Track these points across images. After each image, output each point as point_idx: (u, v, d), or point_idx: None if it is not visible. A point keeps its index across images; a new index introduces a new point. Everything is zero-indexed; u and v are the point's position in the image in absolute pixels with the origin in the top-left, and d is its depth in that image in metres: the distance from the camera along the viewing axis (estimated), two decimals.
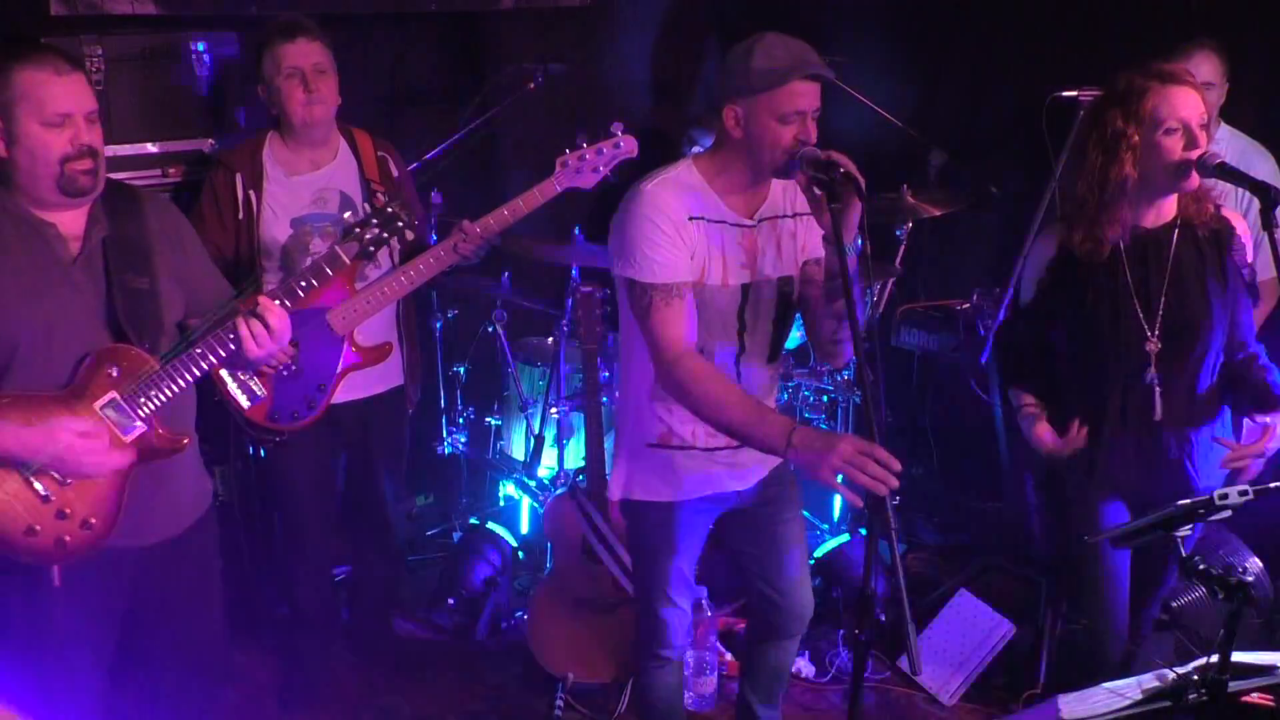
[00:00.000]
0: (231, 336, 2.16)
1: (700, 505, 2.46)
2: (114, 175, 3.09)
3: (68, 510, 2.06)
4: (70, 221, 2.13)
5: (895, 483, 1.84)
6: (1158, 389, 2.40)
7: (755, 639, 2.74)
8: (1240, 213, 3.08)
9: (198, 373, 2.16)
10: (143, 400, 2.11)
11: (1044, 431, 2.50)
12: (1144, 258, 2.38)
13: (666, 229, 2.19)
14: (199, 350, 2.15)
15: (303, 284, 2.24)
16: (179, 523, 2.28)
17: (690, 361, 2.17)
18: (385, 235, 2.27)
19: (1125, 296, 2.37)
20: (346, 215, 2.93)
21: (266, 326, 2.14)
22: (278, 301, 2.19)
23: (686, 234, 2.21)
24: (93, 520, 2.09)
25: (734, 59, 2.19)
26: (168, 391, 2.13)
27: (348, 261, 2.27)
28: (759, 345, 2.37)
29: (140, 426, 2.11)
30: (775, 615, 2.62)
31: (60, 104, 2.05)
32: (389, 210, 2.28)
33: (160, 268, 2.20)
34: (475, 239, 2.84)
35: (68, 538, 2.07)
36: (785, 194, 2.34)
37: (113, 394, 2.09)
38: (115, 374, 2.10)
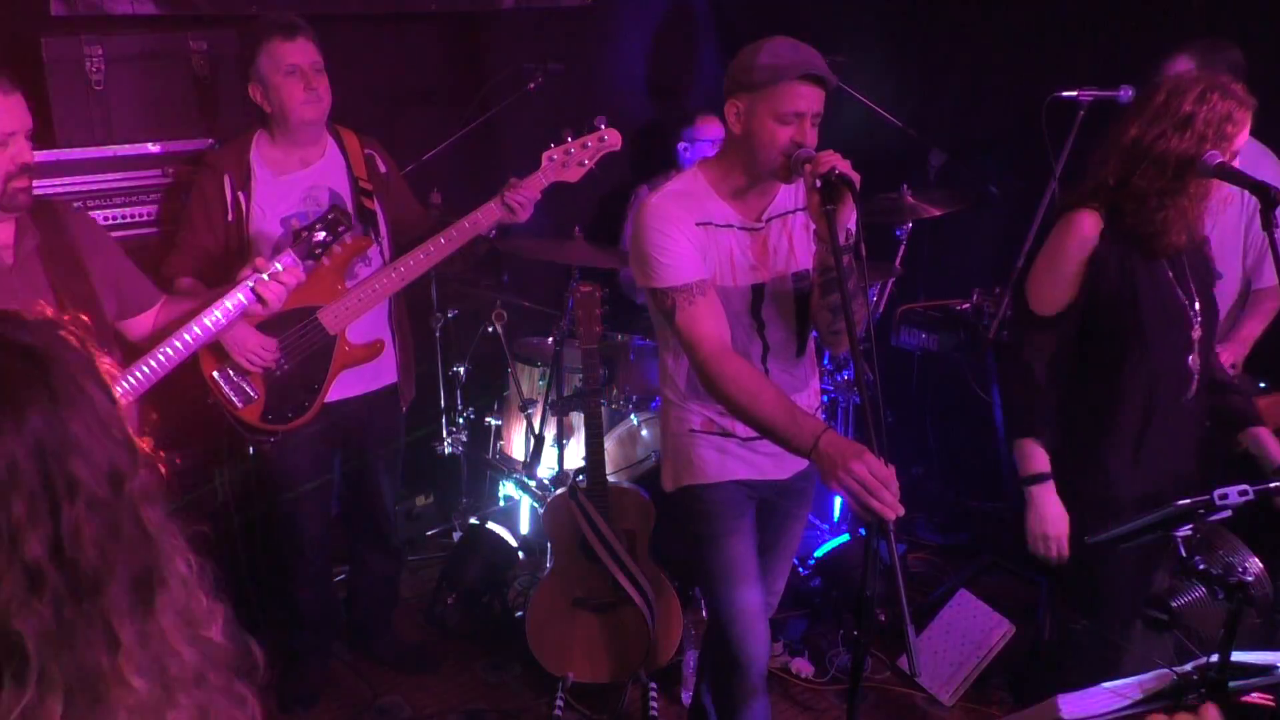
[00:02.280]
0: (180, 343, 2.31)
1: (745, 491, 2.45)
2: (114, 175, 3.14)
3: None
4: (1, 232, 2.15)
5: (900, 512, 1.83)
6: (1196, 375, 2.42)
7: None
8: (1245, 220, 3.09)
9: (144, 379, 2.27)
10: None
11: (1059, 511, 2.41)
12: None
13: (673, 234, 2.21)
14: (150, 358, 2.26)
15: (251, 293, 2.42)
16: None
17: (722, 358, 2.16)
18: (329, 239, 2.46)
19: (1167, 284, 2.37)
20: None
21: (281, 282, 2.34)
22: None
23: (694, 237, 2.23)
24: None
25: (742, 55, 2.20)
26: (125, 397, 2.16)
27: (295, 260, 2.42)
28: (783, 342, 2.38)
29: None
30: None
31: (7, 123, 2.06)
32: (330, 216, 2.48)
33: (93, 273, 2.24)
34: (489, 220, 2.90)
35: None
36: (796, 190, 2.35)
37: None
38: None
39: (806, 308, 2.38)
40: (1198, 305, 2.39)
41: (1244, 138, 2.28)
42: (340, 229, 2.48)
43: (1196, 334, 2.39)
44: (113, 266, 2.33)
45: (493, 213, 2.85)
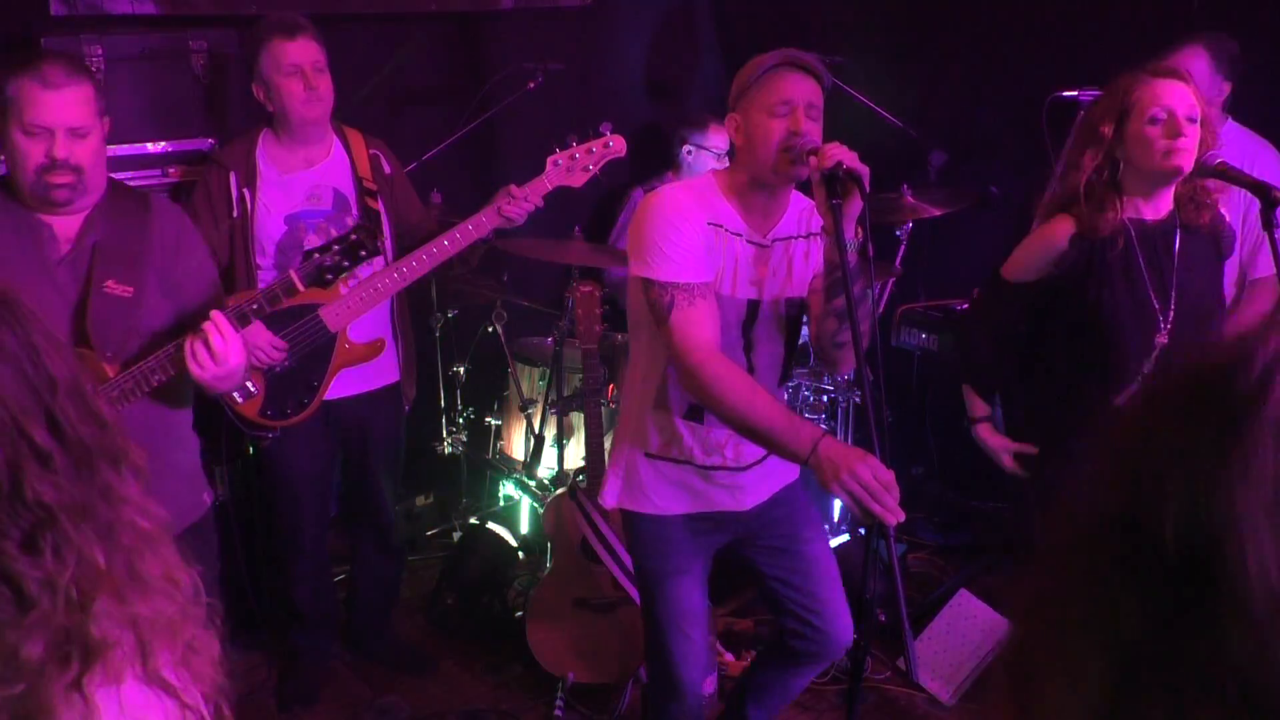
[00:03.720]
0: (172, 358, 2.15)
1: (699, 525, 2.41)
2: (114, 175, 3.13)
3: None
4: (65, 224, 2.14)
5: (902, 517, 1.82)
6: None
7: (778, 662, 2.61)
8: (1241, 213, 3.11)
9: (147, 388, 2.13)
10: None
11: (997, 439, 2.60)
12: (1153, 249, 2.39)
13: (686, 229, 2.16)
14: (149, 365, 2.13)
15: (254, 307, 2.23)
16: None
17: (718, 362, 2.11)
18: (346, 264, 2.27)
19: (1141, 288, 2.37)
20: (347, 223, 2.94)
21: (209, 348, 2.10)
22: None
23: (704, 235, 2.19)
24: None
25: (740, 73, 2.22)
26: (119, 404, 2.09)
27: (302, 289, 2.27)
28: (767, 365, 2.34)
29: None
30: (816, 640, 2.48)
31: (39, 115, 2.05)
32: (353, 238, 2.28)
33: (151, 277, 2.19)
34: (491, 222, 2.87)
35: None
36: (800, 216, 2.32)
37: None
38: None
39: (794, 336, 2.37)
40: (1171, 314, 2.38)
41: (1170, 92, 2.28)
42: (361, 254, 2.28)
43: (1161, 340, 2.38)
44: (182, 272, 2.26)
45: (493, 218, 2.86)
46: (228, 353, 2.12)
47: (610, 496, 2.44)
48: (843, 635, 2.48)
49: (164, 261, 2.23)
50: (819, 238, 2.29)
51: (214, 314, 2.13)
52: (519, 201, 2.83)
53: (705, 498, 2.38)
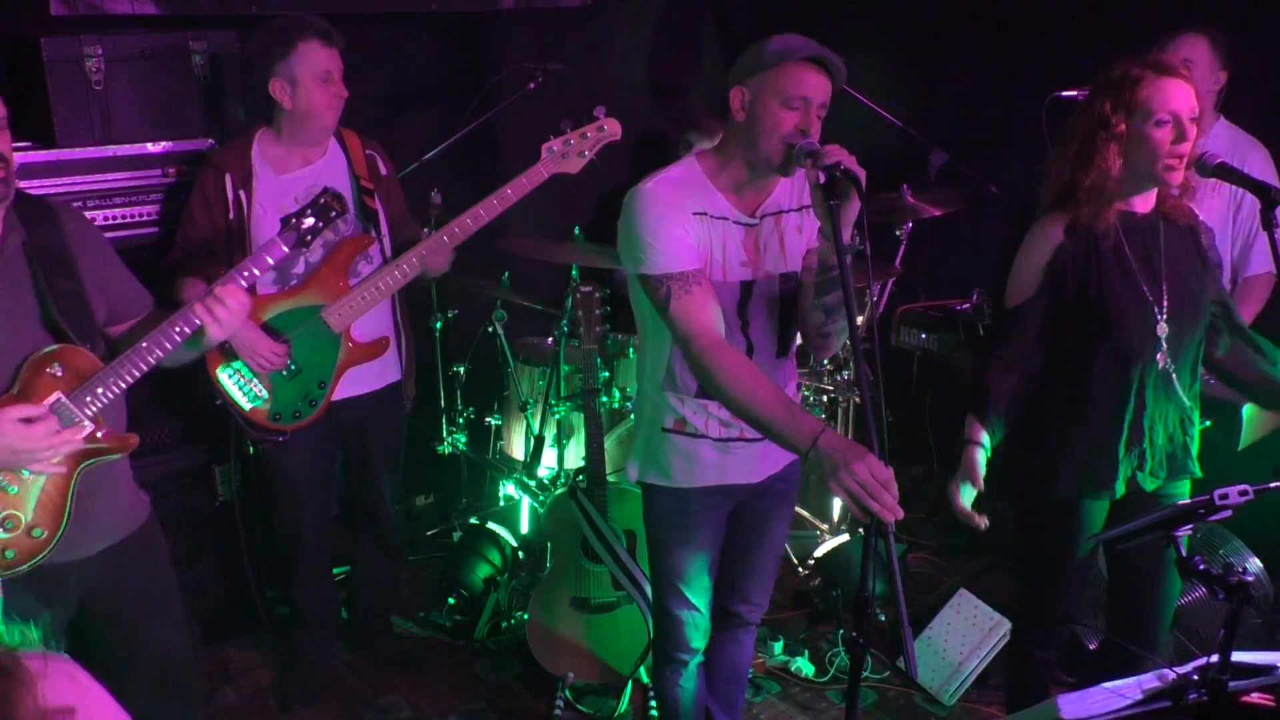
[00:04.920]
0: (177, 329, 2.15)
1: (712, 498, 2.44)
2: (114, 175, 3.14)
3: (14, 517, 2.03)
4: None
5: (900, 515, 1.82)
6: (1174, 373, 2.41)
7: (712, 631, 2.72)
8: (1233, 207, 3.13)
9: (145, 368, 2.14)
10: (89, 399, 2.07)
11: (977, 469, 2.58)
12: (1143, 243, 2.39)
13: (670, 220, 2.18)
14: (145, 345, 2.12)
15: (245, 274, 2.26)
16: (115, 533, 2.23)
17: (719, 350, 2.12)
18: (320, 225, 2.38)
19: (1134, 279, 2.37)
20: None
21: (225, 305, 2.17)
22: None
23: (690, 225, 2.20)
24: (40, 528, 2.05)
25: (752, 46, 2.19)
26: (114, 390, 2.10)
27: (286, 250, 2.33)
28: (765, 341, 2.35)
29: (88, 426, 2.08)
30: (732, 599, 2.64)
31: None
32: (322, 200, 2.38)
33: (84, 272, 2.16)
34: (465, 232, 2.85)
35: (13, 548, 2.03)
36: (792, 189, 2.32)
37: (58, 394, 2.05)
38: (59, 373, 2.06)
39: (790, 310, 2.36)
40: (1166, 302, 2.38)
41: (1176, 94, 2.27)
42: (332, 214, 2.39)
43: (1162, 330, 2.38)
44: (105, 270, 2.25)
45: (493, 206, 2.85)
46: (243, 306, 2.22)
47: (632, 471, 2.52)
48: (759, 597, 2.66)
49: (88, 261, 2.20)
50: (810, 210, 2.30)
51: (220, 284, 2.22)
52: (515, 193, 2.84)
53: (721, 470, 2.42)
